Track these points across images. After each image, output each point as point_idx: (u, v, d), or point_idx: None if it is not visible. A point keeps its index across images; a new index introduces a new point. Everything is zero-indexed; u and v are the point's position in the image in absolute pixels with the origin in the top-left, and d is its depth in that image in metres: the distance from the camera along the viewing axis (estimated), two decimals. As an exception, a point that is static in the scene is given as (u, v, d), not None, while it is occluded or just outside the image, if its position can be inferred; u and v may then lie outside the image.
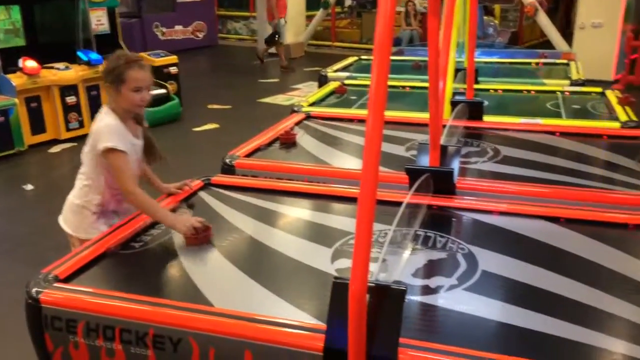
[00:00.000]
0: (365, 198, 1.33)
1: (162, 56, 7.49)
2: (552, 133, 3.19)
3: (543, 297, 1.69)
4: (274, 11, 9.97)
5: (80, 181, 2.36)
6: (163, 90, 6.94)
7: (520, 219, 2.19)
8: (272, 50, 10.59)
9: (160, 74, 7.13)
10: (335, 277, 1.43)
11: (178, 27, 12.33)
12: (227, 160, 2.79)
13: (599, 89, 4.20)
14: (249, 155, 2.92)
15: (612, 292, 1.69)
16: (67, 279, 1.80)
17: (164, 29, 12.02)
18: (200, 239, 2.03)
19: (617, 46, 8.95)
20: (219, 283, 1.80)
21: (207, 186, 2.56)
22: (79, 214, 2.35)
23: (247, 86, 9.21)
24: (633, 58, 8.59)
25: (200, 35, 12.81)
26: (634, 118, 3.36)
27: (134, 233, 2.10)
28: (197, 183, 2.53)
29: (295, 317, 1.59)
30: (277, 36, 10.14)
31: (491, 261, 1.88)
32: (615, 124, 3.31)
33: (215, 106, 7.77)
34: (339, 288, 1.39)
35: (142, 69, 2.22)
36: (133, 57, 2.24)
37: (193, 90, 8.20)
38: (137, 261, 1.96)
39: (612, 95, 3.89)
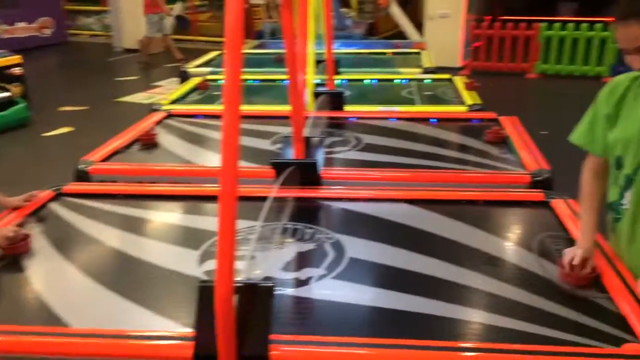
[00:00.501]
0: (226, 195, 1.29)
1: (3, 56, 6.82)
2: (409, 119, 3.35)
3: (408, 277, 1.76)
4: (160, 3, 9.44)
5: None
6: (5, 94, 6.34)
7: (383, 204, 2.27)
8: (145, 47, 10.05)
9: (1, 76, 6.50)
10: (201, 281, 1.38)
11: (21, 24, 11.32)
12: (81, 167, 2.60)
13: (447, 76, 4.49)
14: (105, 159, 2.74)
15: (468, 265, 1.80)
16: None
17: (5, 26, 10.97)
18: (16, 249, 1.89)
19: (462, 35, 9.65)
20: (77, 301, 1.67)
21: (58, 196, 2.36)
22: None
23: (103, 85, 8.70)
24: (476, 46, 9.31)
25: (48, 31, 11.87)
26: (479, 101, 3.63)
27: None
28: (46, 193, 2.33)
29: (163, 328, 1.52)
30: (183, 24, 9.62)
31: (358, 248, 1.93)
32: (463, 108, 3.56)
33: (68, 108, 7.25)
34: (205, 291, 1.34)
35: None
36: None
37: (43, 92, 7.57)
38: (-20, 286, 1.76)
39: (459, 81, 4.18)
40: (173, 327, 1.53)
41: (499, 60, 9.19)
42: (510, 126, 3.06)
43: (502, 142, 2.90)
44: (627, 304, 1.55)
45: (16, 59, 6.84)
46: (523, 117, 3.26)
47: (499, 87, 8.05)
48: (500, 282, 1.71)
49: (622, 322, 1.50)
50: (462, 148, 2.97)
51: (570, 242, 1.90)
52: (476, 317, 1.57)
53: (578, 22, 8.77)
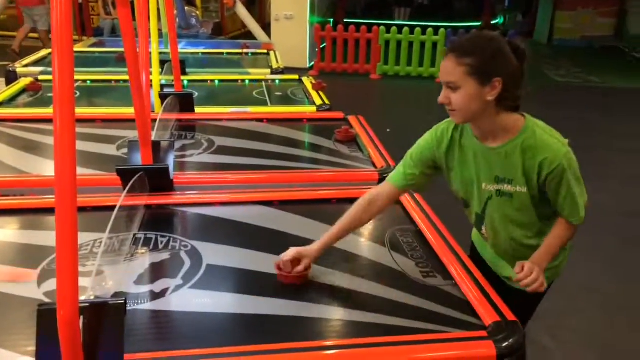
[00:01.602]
0: (64, 206, 1.16)
1: None
2: (260, 120, 3.35)
3: (266, 280, 1.74)
4: None
5: None
6: None
7: (239, 207, 2.24)
8: None
9: None
10: (40, 304, 1.24)
11: None
12: None
13: (296, 77, 4.56)
14: None
15: (326, 264, 1.83)
16: None
17: None
18: None
19: (307, 36, 9.90)
20: None
21: None
22: None
23: None
24: (322, 47, 9.61)
25: None
26: (327, 102, 3.74)
27: None
28: None
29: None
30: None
31: (215, 254, 1.88)
32: (312, 108, 3.64)
33: None
34: (46, 315, 1.21)
35: None
36: None
37: None
38: None
39: (307, 82, 4.27)
40: (10, 358, 1.36)
41: (344, 62, 9.57)
42: (358, 125, 3.19)
43: (352, 140, 3.01)
44: (468, 289, 1.68)
45: None
46: (369, 116, 3.41)
47: (346, 88, 8.39)
48: (357, 278, 1.76)
49: (466, 307, 1.62)
50: (314, 147, 3.03)
51: (419, 234, 2.02)
52: (337, 314, 1.61)
53: (412, 27, 9.42)
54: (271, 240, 1.99)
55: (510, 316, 1.53)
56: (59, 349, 1.17)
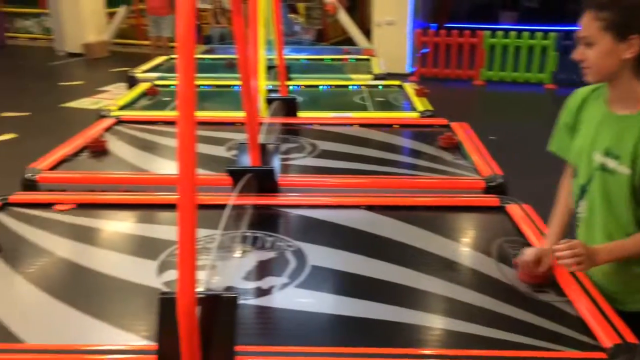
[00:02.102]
0: (186, 203, 1.26)
1: None
2: (362, 125, 3.39)
3: (368, 284, 1.77)
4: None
5: None
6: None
7: (341, 210, 2.28)
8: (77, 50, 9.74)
9: None
10: (161, 293, 1.35)
11: (-46, 26, 10.79)
12: (28, 175, 2.50)
13: (398, 82, 4.56)
14: (54, 167, 2.64)
15: (426, 270, 1.83)
16: None
17: (-63, 29, 10.44)
18: None
19: (408, 42, 9.84)
20: (30, 316, 1.60)
21: (5, 206, 2.26)
22: None
23: (46, 90, 8.39)
24: (423, 52, 9.52)
25: (-16, 34, 11.36)
26: (430, 108, 3.71)
27: None
28: (-9, 204, 2.22)
29: (122, 341, 1.47)
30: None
31: (319, 255, 1.93)
32: (415, 114, 3.62)
33: (10, 114, 6.96)
34: (166, 303, 1.31)
35: None
36: None
37: (-21, 97, 7.23)
38: None
39: (409, 88, 4.25)
40: (132, 340, 1.49)
41: (446, 67, 9.42)
42: (462, 132, 3.14)
43: (455, 147, 2.97)
44: (585, 307, 1.60)
45: (-49, 62, 6.51)
46: (472, 123, 3.34)
47: (448, 94, 8.25)
48: (460, 287, 1.74)
49: (581, 326, 1.54)
50: (416, 154, 3.01)
51: (527, 246, 1.95)
52: (439, 322, 1.59)
53: (519, 31, 9.09)
54: (374, 245, 2.01)
55: (631, 338, 1.45)
56: (178, 336, 1.26)
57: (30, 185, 2.47)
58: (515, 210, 2.19)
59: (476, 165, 2.67)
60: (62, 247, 1.98)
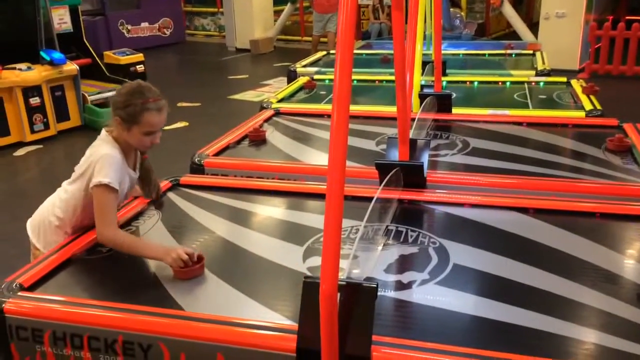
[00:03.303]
0: (333, 194, 1.31)
1: (127, 54, 7.36)
2: (520, 124, 3.22)
3: (515, 288, 1.70)
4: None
5: (62, 195, 2.12)
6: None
7: (490, 210, 2.20)
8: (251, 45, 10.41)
9: (126, 72, 7.00)
10: (306, 277, 1.41)
11: (144, 24, 12.10)
12: (196, 159, 2.75)
13: (564, 79, 4.26)
14: (218, 153, 2.88)
15: (582, 281, 1.70)
16: (32, 287, 1.75)
17: (130, 27, 11.79)
18: (190, 272, 1.78)
19: (580, 36, 9.10)
20: (189, 286, 1.77)
21: (175, 186, 2.51)
22: (50, 231, 2.11)
23: (216, 83, 9.11)
24: (597, 47, 8.74)
25: (167, 32, 12.60)
26: (598, 107, 3.41)
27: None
28: (165, 184, 2.48)
29: (267, 318, 1.57)
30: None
31: (462, 254, 1.89)
32: (581, 113, 3.36)
33: (184, 104, 7.67)
34: (310, 287, 1.37)
35: (159, 113, 2.03)
36: (151, 97, 2.02)
37: (161, 88, 7.98)
38: (104, 266, 1.92)
39: (577, 85, 3.95)
40: (277, 319, 1.58)
41: (623, 63, 8.56)
42: (636, 134, 2.85)
43: (626, 151, 2.70)
44: None
45: (139, 57, 7.35)
46: (649, 126, 3.02)
47: (622, 92, 7.52)
48: (617, 301, 1.60)
49: None
50: (578, 155, 2.80)
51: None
52: (587, 336, 1.48)
53: None
54: (522, 248, 1.92)
55: None
56: (319, 319, 1.32)
57: (198, 169, 2.71)
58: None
59: (649, 172, 2.42)
60: (221, 227, 2.16)
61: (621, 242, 2.01)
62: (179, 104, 7.70)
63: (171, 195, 2.44)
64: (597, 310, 1.58)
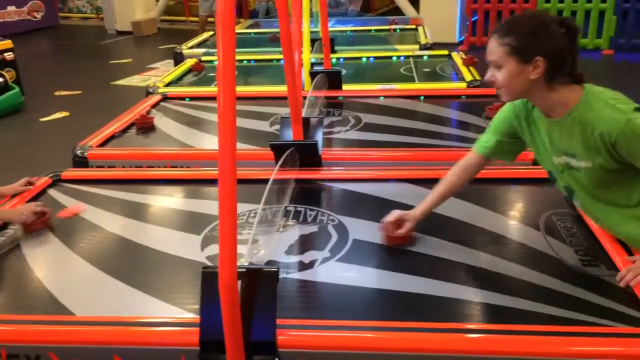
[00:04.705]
0: (225, 179, 1.27)
1: (-7, 41, 6.72)
2: (408, 97, 3.31)
3: (412, 258, 1.74)
4: None
5: None
6: (-1, 80, 6.24)
7: (384, 184, 2.25)
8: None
9: (-7, 62, 6.41)
10: (204, 267, 1.36)
11: (10, 8, 11.12)
12: (78, 152, 2.57)
13: (445, 52, 4.43)
14: (102, 144, 2.71)
15: (473, 245, 1.78)
16: None
17: (-6, 11, 10.81)
18: (41, 223, 1.97)
19: (458, 9, 9.53)
20: (79, 289, 1.65)
21: (56, 182, 2.33)
22: None
23: (97, 68, 8.58)
24: (473, 20, 9.21)
25: (38, 15, 11.66)
26: (478, 77, 3.59)
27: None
28: (44, 180, 2.29)
29: (167, 314, 1.51)
30: None
31: (361, 229, 1.91)
32: (462, 84, 3.52)
33: (63, 93, 7.16)
34: (209, 277, 1.33)
35: None
36: None
37: (36, 77, 7.47)
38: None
39: (457, 57, 4.13)
40: (177, 313, 1.52)
41: (496, 35, 9.09)
42: (511, 102, 3.02)
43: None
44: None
45: (6, 44, 6.71)
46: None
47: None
48: (507, 261, 1.70)
49: (634, 302, 1.48)
50: (463, 125, 2.93)
51: (578, 219, 1.88)
52: (483, 297, 1.56)
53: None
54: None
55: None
56: (220, 309, 1.28)
57: (81, 162, 2.54)
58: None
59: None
60: (111, 223, 2.03)
61: (507, 205, 2.13)
62: (57, 93, 7.18)
63: (52, 192, 2.26)
64: (487, 271, 1.66)
